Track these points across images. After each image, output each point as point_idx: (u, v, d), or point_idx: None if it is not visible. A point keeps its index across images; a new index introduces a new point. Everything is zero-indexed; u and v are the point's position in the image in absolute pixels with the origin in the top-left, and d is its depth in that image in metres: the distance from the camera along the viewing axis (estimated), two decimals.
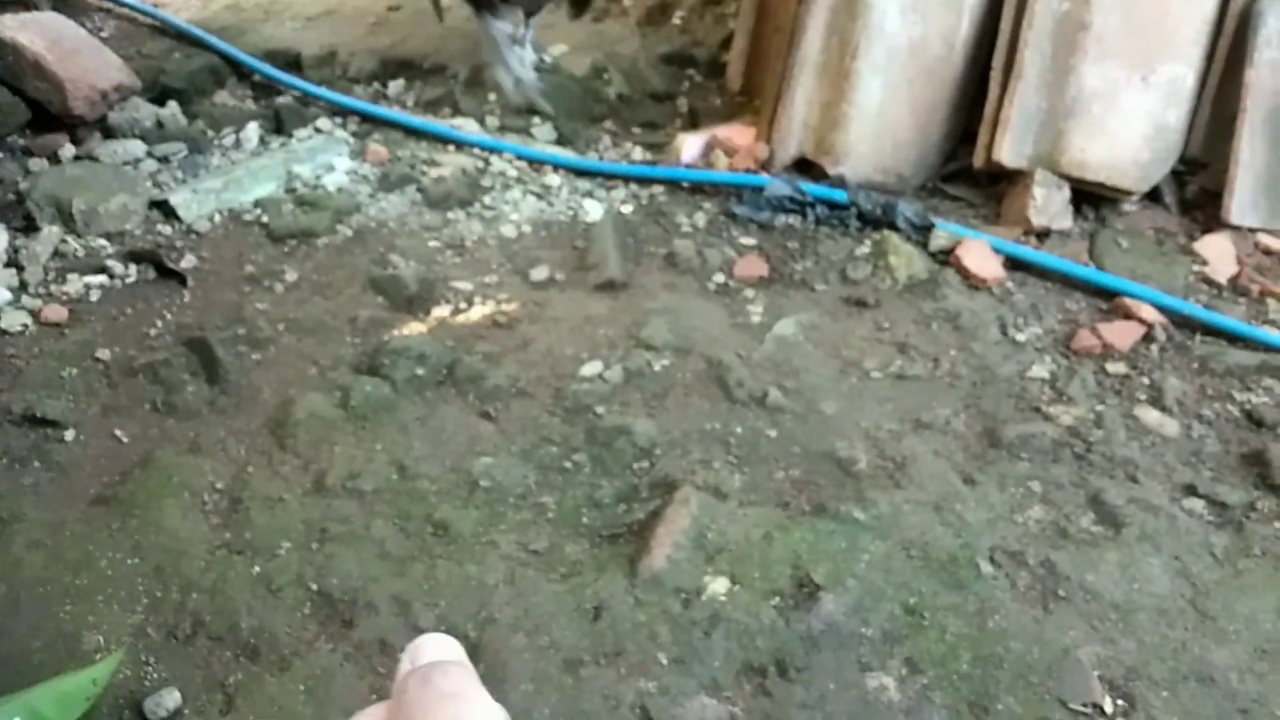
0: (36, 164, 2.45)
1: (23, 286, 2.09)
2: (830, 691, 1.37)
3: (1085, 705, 1.37)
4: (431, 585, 1.50)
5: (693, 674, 1.38)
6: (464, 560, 1.54)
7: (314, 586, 1.48)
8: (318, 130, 2.64)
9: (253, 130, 2.59)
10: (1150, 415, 1.88)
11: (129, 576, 1.50)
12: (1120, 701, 1.38)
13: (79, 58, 2.57)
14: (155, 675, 1.37)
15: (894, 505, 1.64)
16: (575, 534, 1.59)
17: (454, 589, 1.49)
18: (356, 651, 1.40)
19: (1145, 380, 1.97)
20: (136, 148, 2.49)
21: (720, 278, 2.21)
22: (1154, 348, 2.05)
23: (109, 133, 2.55)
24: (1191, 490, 1.73)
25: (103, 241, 2.22)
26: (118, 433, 1.75)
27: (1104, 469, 1.75)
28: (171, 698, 1.33)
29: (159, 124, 2.60)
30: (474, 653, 1.40)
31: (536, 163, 2.56)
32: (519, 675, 1.37)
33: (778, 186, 2.37)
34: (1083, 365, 2.00)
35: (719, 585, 1.49)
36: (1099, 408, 1.89)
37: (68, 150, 2.49)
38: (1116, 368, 2.00)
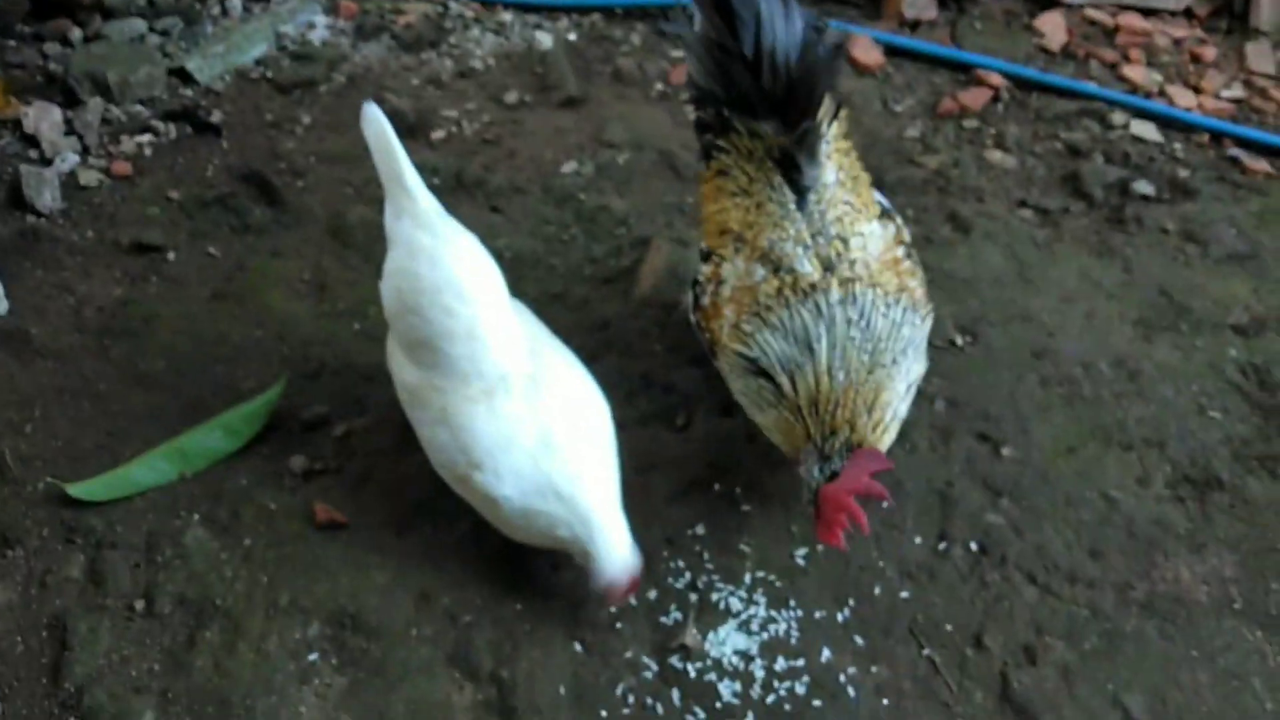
0: (51, 48, 2.79)
1: (86, 150, 2.50)
2: None
3: (944, 341, 2.02)
4: None
5: (680, 355, 1.99)
6: None
7: None
8: None
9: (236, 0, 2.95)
10: (995, 155, 2.49)
11: (260, 342, 2.03)
12: (968, 337, 2.04)
13: None
14: (302, 398, 1.92)
15: None
16: (580, 280, 2.16)
17: None
18: None
19: (992, 130, 2.57)
20: (138, 25, 2.84)
21: (660, 86, 2.71)
22: (1000, 106, 2.64)
23: (107, 14, 2.88)
24: (1023, 203, 2.36)
25: (139, 107, 2.62)
26: (210, 250, 2.24)
27: (959, 195, 2.36)
28: (320, 409, 1.90)
29: (150, 2, 2.94)
30: None
31: (489, 4, 2.98)
32: None
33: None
34: (945, 124, 2.59)
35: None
36: (956, 154, 2.49)
37: (76, 33, 2.82)
38: (971, 123, 2.59)
